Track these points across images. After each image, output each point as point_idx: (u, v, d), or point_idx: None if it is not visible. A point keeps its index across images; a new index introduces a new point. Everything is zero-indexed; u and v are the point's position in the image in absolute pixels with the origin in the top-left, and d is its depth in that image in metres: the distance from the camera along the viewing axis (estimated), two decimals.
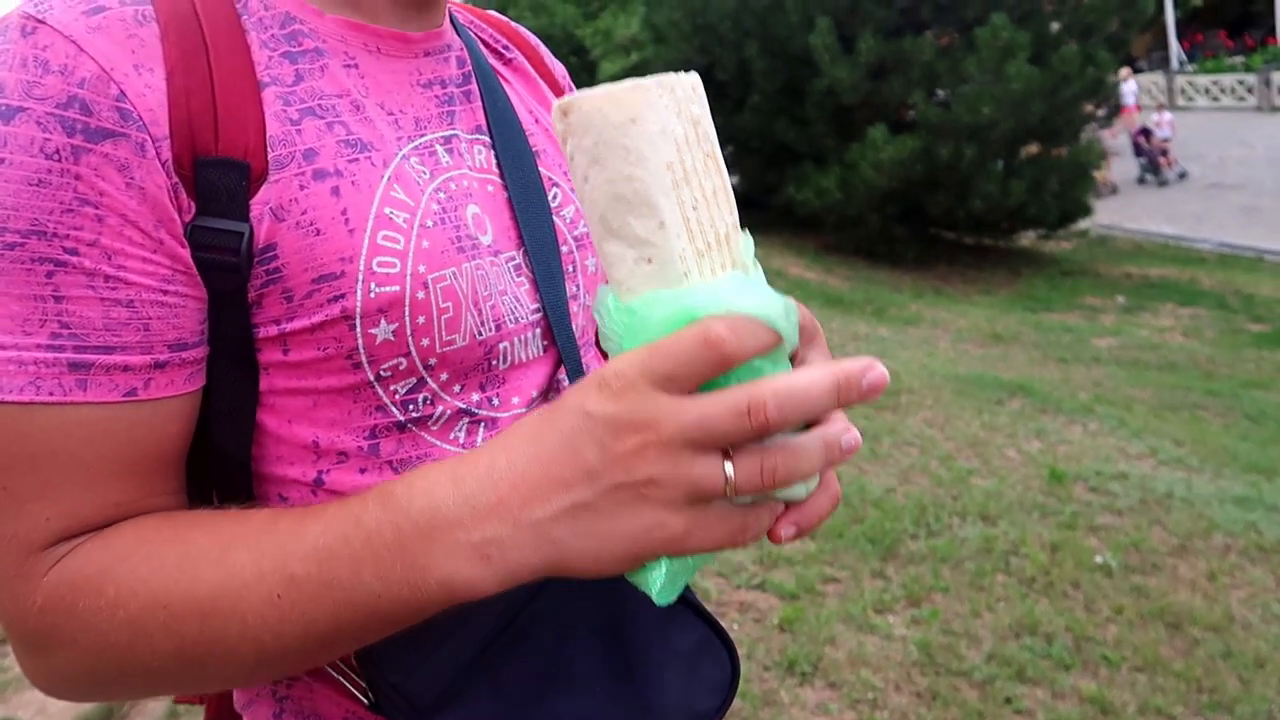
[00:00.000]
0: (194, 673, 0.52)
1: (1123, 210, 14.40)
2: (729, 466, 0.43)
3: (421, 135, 0.65)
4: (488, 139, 0.70)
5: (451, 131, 0.67)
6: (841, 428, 0.46)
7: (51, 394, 0.51)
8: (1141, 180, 16.18)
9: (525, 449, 0.47)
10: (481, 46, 0.79)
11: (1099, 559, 3.24)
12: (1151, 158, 16.10)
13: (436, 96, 0.68)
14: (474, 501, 0.47)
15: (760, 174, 11.98)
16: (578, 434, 0.45)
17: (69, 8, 0.53)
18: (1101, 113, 11.88)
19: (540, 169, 0.73)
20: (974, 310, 9.33)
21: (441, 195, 0.64)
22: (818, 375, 0.43)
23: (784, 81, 10.95)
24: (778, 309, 0.44)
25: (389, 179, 0.61)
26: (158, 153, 0.53)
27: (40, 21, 0.52)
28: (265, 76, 0.58)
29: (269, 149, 0.56)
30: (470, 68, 0.73)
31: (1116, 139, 16.33)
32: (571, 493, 0.45)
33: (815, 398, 0.43)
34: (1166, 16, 24.76)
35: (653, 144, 0.45)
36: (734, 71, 11.16)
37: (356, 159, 0.59)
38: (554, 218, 0.72)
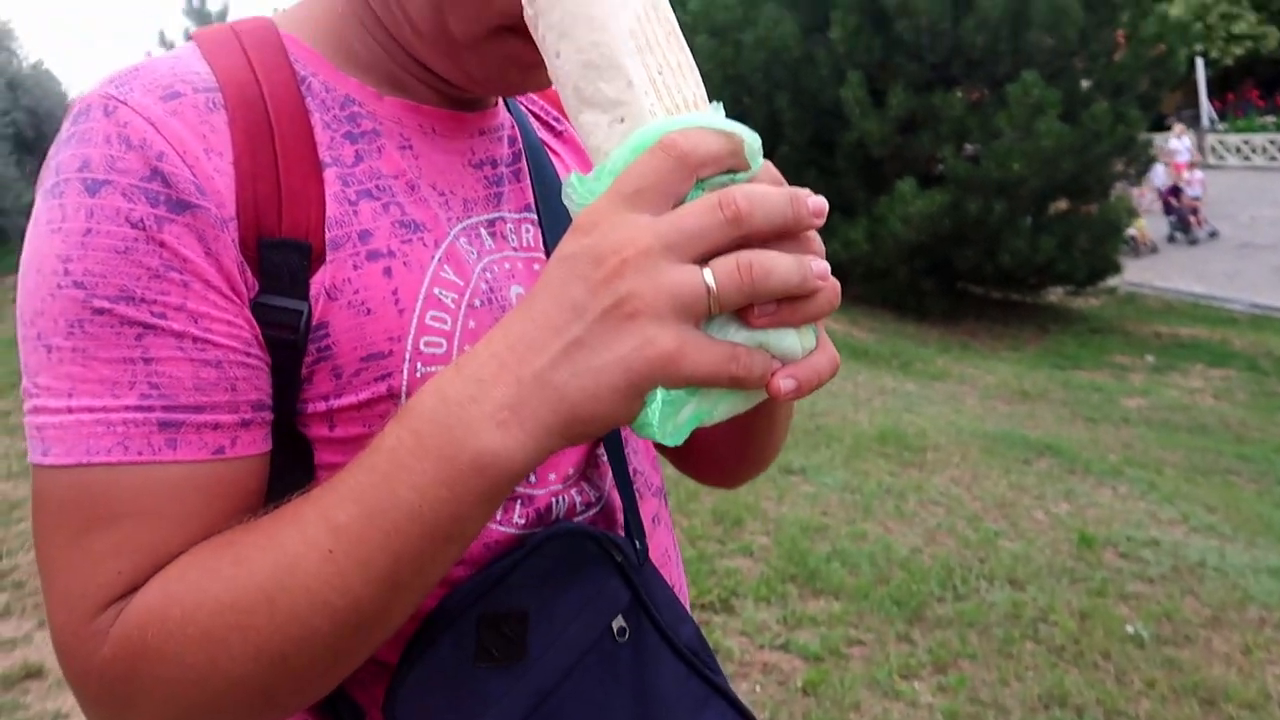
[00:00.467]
0: (280, 671, 0.50)
1: (1152, 268, 14.32)
2: (708, 272, 0.44)
3: (469, 216, 0.66)
4: (535, 217, 0.71)
5: (497, 214, 0.69)
6: (815, 258, 0.48)
7: (140, 453, 0.52)
8: (1171, 238, 16.11)
9: (517, 314, 0.48)
10: (532, 120, 0.80)
11: (1130, 629, 3.18)
12: (1181, 216, 16.04)
13: (486, 177, 0.69)
14: (478, 375, 0.47)
15: None
16: (561, 278, 0.46)
17: (147, 91, 0.56)
18: (1132, 171, 11.85)
19: None
20: (1001, 366, 9.27)
21: (489, 275, 0.65)
22: (777, 188, 0.47)
23: (813, 133, 11.04)
24: (736, 125, 0.47)
25: (440, 259, 0.62)
26: (228, 232, 0.55)
27: (121, 102, 0.55)
28: (327, 157, 0.60)
29: (327, 229, 0.58)
30: (521, 145, 0.74)
31: (1145, 198, 16.30)
32: (564, 334, 0.46)
33: (777, 199, 0.46)
34: (1197, 75, 24.79)
35: (614, 13, 0.48)
36: (764, 122, 11.26)
37: (410, 240, 0.61)
38: None
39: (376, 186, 0.61)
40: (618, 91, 0.48)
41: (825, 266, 0.48)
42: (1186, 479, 5.45)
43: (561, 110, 0.84)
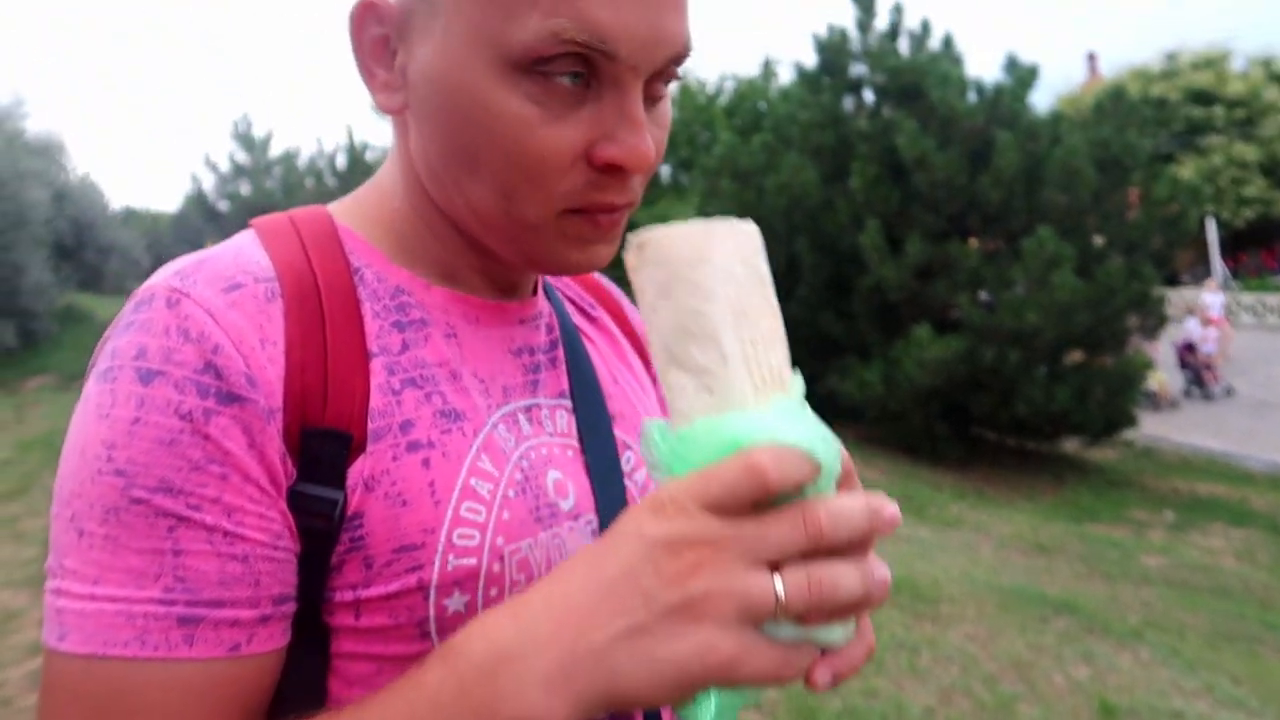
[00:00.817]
0: None
1: (1169, 422, 14.24)
2: (779, 581, 0.45)
3: (508, 402, 0.69)
4: (569, 404, 0.74)
5: (534, 400, 0.71)
6: (876, 562, 0.48)
7: (156, 649, 0.52)
8: (1187, 393, 16.07)
9: (581, 576, 0.48)
10: (568, 305, 0.84)
11: None
12: (1197, 372, 16.06)
13: (524, 364, 0.72)
14: (533, 633, 0.47)
15: (804, 362, 12.03)
16: (633, 557, 0.46)
17: (210, 283, 0.59)
18: (1152, 322, 11.91)
19: (616, 433, 0.76)
20: (1017, 516, 9.13)
21: (524, 464, 0.67)
22: (857, 499, 0.48)
23: (832, 276, 11.26)
24: (820, 441, 0.47)
25: (477, 449, 0.64)
26: (273, 422, 0.56)
27: (184, 294, 0.57)
28: (374, 346, 0.63)
29: (369, 420, 0.60)
30: (558, 333, 0.77)
31: (1159, 353, 16.40)
32: (628, 616, 0.45)
33: (858, 516, 0.47)
34: (1209, 235, 25.28)
35: (719, 282, 0.49)
36: (783, 264, 11.51)
37: (449, 429, 0.63)
38: (626, 482, 0.74)
39: (421, 375, 0.64)
40: (710, 362, 0.49)
41: (886, 575, 0.49)
42: (1210, 645, 5.28)
43: (598, 298, 0.90)
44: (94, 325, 20.26)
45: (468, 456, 0.63)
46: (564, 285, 0.87)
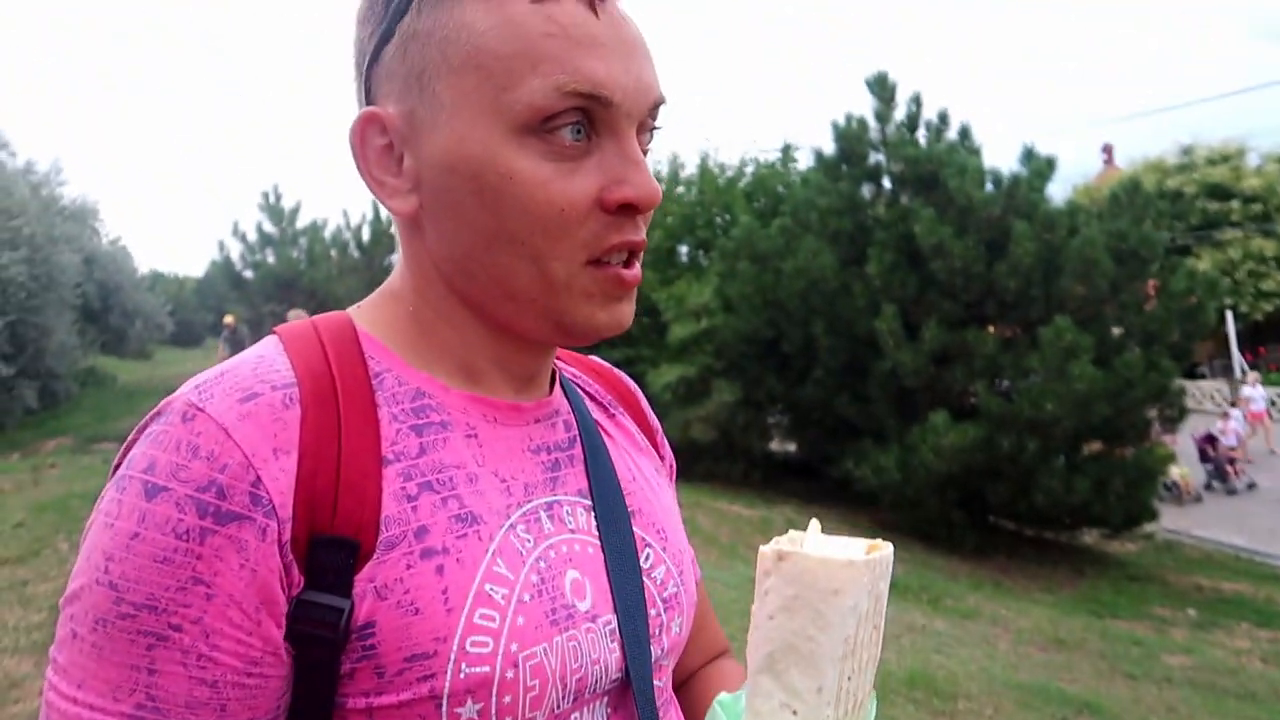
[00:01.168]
0: None
1: (1190, 516, 14.01)
2: None
3: (529, 500, 0.69)
4: (589, 501, 0.74)
5: (554, 497, 0.72)
6: None
7: None
8: (1209, 487, 15.85)
9: None
10: (588, 401, 0.85)
11: None
12: (1218, 465, 15.86)
13: (544, 462, 0.73)
14: None
15: (819, 444, 12.09)
16: None
17: (227, 394, 0.60)
18: (1172, 414, 11.81)
19: (635, 529, 0.76)
20: (1035, 609, 8.94)
21: (541, 564, 0.67)
22: None
23: (848, 359, 11.28)
24: None
25: (493, 553, 0.64)
26: (279, 534, 0.57)
27: (199, 409, 0.59)
28: (390, 452, 0.63)
29: (383, 528, 0.60)
30: (576, 430, 0.78)
31: (1176, 445, 16.25)
32: None
33: None
34: (1228, 328, 25.23)
35: (843, 618, 0.50)
36: (799, 345, 11.57)
37: (465, 534, 0.63)
38: (644, 579, 0.74)
39: (438, 479, 0.64)
40: (805, 689, 0.50)
41: None
42: None
43: (617, 395, 0.91)
44: (114, 388, 20.42)
45: (483, 562, 0.63)
46: (584, 381, 0.88)
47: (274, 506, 0.57)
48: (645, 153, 0.68)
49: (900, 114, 11.68)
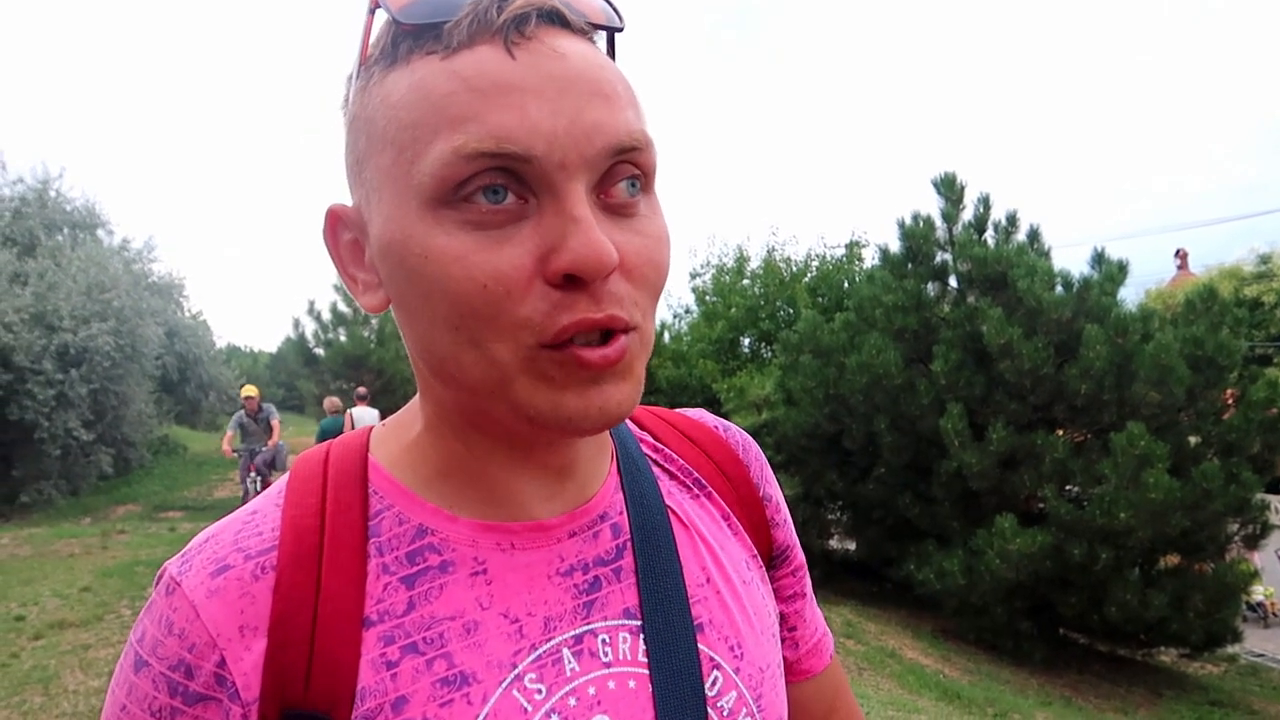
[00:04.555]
0: None
1: (1276, 639, 13.24)
2: None
3: (550, 638, 0.62)
4: (638, 621, 0.65)
5: (587, 627, 0.64)
6: None
7: None
8: None
9: None
10: (668, 480, 0.74)
11: None
12: None
13: (577, 585, 0.65)
14: None
15: (880, 544, 11.78)
16: None
17: (201, 567, 0.60)
18: (1254, 530, 11.28)
19: (700, 646, 0.67)
20: None
21: (555, 717, 0.60)
22: None
23: (911, 458, 11.06)
24: None
25: (485, 717, 0.58)
26: (245, 716, 0.57)
27: (177, 584, 0.60)
28: (373, 612, 0.60)
29: (358, 701, 0.57)
30: (627, 535, 0.68)
31: (1260, 563, 15.46)
32: None
33: None
34: None
35: None
36: (861, 442, 11.39)
37: (450, 700, 0.58)
38: (709, 710, 0.64)
39: (424, 638, 0.60)
40: None
41: None
42: None
43: (715, 463, 0.77)
44: (184, 458, 20.94)
45: None
46: (665, 459, 0.76)
47: (238, 689, 0.57)
48: (631, 209, 0.57)
49: (968, 214, 11.68)
